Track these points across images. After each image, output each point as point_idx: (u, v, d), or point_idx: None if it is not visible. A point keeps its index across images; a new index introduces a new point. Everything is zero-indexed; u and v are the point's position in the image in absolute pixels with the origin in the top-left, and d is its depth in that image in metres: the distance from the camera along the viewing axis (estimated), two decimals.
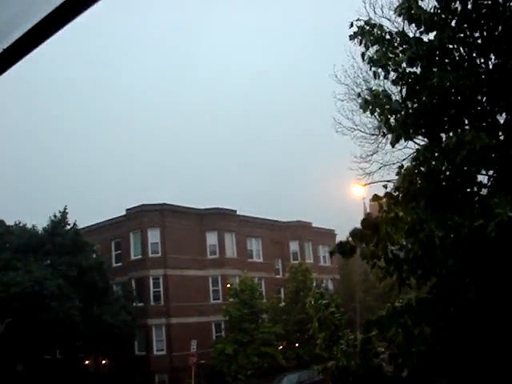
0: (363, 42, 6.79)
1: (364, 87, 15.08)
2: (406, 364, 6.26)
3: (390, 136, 7.30)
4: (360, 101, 7.18)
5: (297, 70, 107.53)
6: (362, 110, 7.42)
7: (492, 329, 5.90)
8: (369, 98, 6.88)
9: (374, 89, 7.12)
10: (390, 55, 6.58)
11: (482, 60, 6.72)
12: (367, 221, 6.01)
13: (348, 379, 6.87)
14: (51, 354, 45.44)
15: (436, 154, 6.54)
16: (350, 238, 6.02)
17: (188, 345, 41.41)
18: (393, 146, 7.14)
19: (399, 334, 6.19)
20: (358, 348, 6.92)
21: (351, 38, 7.00)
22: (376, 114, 6.94)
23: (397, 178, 6.69)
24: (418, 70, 6.69)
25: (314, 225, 61.46)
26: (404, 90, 6.68)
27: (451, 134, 6.91)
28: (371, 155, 19.01)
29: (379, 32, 6.65)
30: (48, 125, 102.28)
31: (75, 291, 39.48)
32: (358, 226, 6.14)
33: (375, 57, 6.66)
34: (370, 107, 6.82)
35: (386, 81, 7.23)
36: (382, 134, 7.59)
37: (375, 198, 6.19)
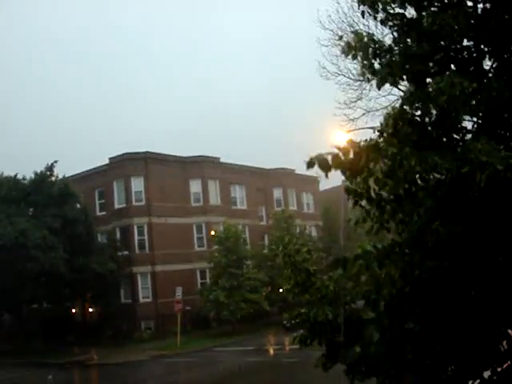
0: None
1: (349, 32, 14.88)
2: (379, 304, 6.33)
3: (374, 82, 7.16)
4: (343, 44, 6.95)
5: (279, 15, 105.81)
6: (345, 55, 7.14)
7: (458, 271, 5.96)
8: (352, 41, 6.70)
9: (358, 31, 6.86)
10: None
11: (471, 4, 6.61)
12: (350, 144, 5.87)
13: (321, 328, 6.89)
14: (38, 303, 45.83)
15: (421, 100, 6.47)
16: (329, 156, 5.84)
17: (173, 292, 41.81)
18: (379, 89, 7.01)
19: (364, 272, 6.21)
20: (330, 294, 6.87)
21: None
22: (359, 57, 6.74)
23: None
24: (407, 13, 6.56)
25: (297, 172, 61.42)
26: (391, 33, 6.56)
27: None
28: (355, 101, 18.94)
29: None
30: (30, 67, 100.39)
31: (60, 242, 39.51)
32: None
33: None
34: (353, 52, 6.64)
35: (372, 24, 6.99)
36: (366, 79, 7.40)
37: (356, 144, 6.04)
